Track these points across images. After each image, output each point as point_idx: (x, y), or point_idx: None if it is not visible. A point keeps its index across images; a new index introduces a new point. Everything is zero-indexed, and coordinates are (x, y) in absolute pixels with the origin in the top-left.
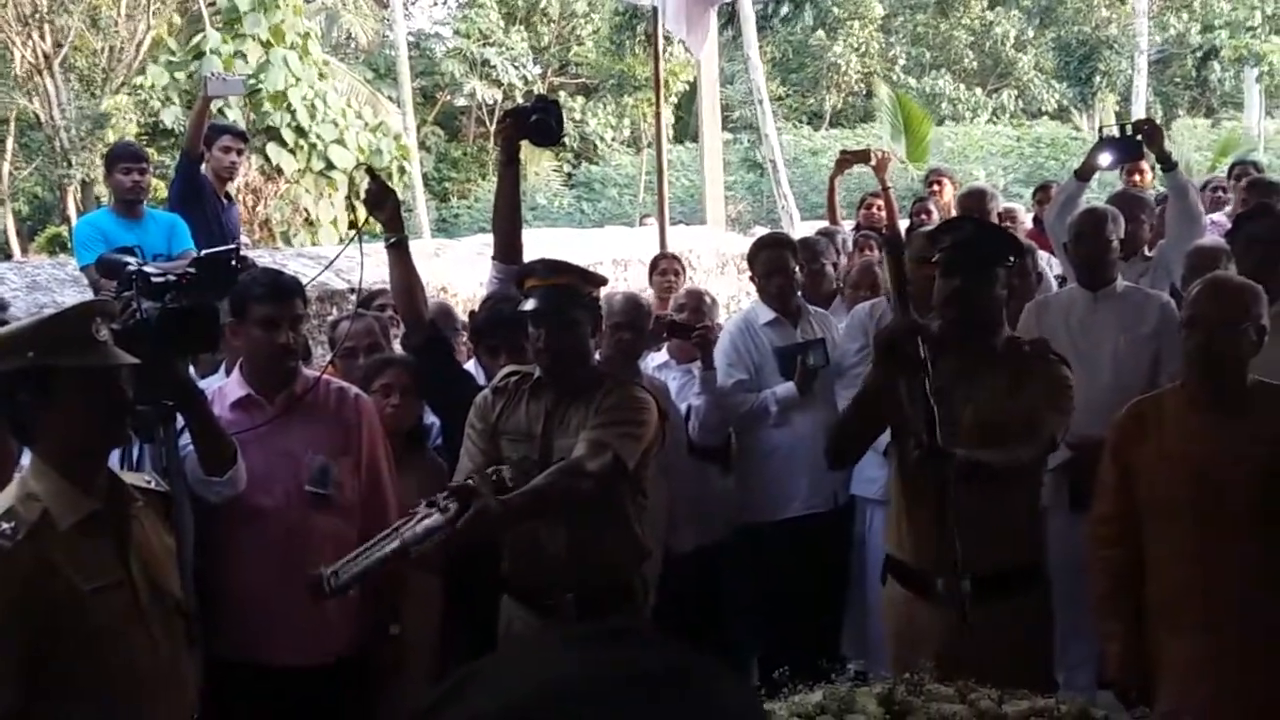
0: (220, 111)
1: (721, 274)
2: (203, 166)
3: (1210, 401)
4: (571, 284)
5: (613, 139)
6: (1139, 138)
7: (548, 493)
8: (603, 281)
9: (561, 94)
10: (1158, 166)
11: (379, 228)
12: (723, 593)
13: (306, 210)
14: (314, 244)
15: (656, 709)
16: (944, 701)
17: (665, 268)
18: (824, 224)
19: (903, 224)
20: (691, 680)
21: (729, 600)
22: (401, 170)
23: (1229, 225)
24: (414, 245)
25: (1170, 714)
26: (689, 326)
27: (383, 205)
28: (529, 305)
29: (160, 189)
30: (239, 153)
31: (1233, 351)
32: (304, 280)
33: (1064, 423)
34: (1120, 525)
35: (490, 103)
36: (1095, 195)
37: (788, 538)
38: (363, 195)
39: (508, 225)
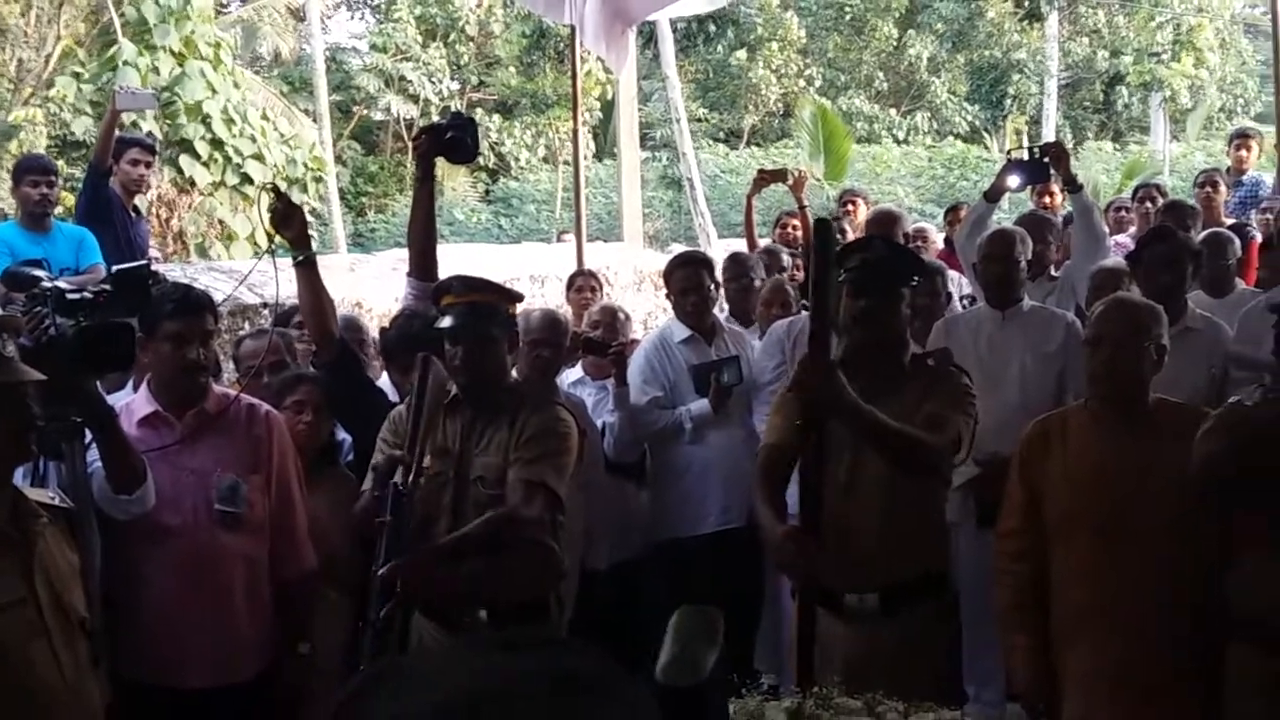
0: (134, 124)
1: (639, 290)
2: (111, 180)
3: (1113, 418)
4: (489, 301)
5: (529, 156)
6: (1045, 160)
7: (483, 539)
8: (519, 298)
9: (479, 111)
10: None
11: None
12: (639, 609)
13: (222, 223)
14: (230, 258)
15: (575, 712)
16: (851, 715)
17: (582, 284)
18: (742, 242)
19: None
20: (608, 684)
21: (645, 616)
22: (318, 181)
23: (1132, 246)
24: (329, 260)
25: None
26: (604, 343)
27: (289, 223)
28: (446, 322)
29: (71, 201)
30: (148, 165)
31: (1135, 370)
32: (216, 296)
33: (968, 426)
34: (1026, 540)
35: (407, 118)
36: (1007, 216)
37: (703, 553)
38: (268, 214)
39: (423, 241)
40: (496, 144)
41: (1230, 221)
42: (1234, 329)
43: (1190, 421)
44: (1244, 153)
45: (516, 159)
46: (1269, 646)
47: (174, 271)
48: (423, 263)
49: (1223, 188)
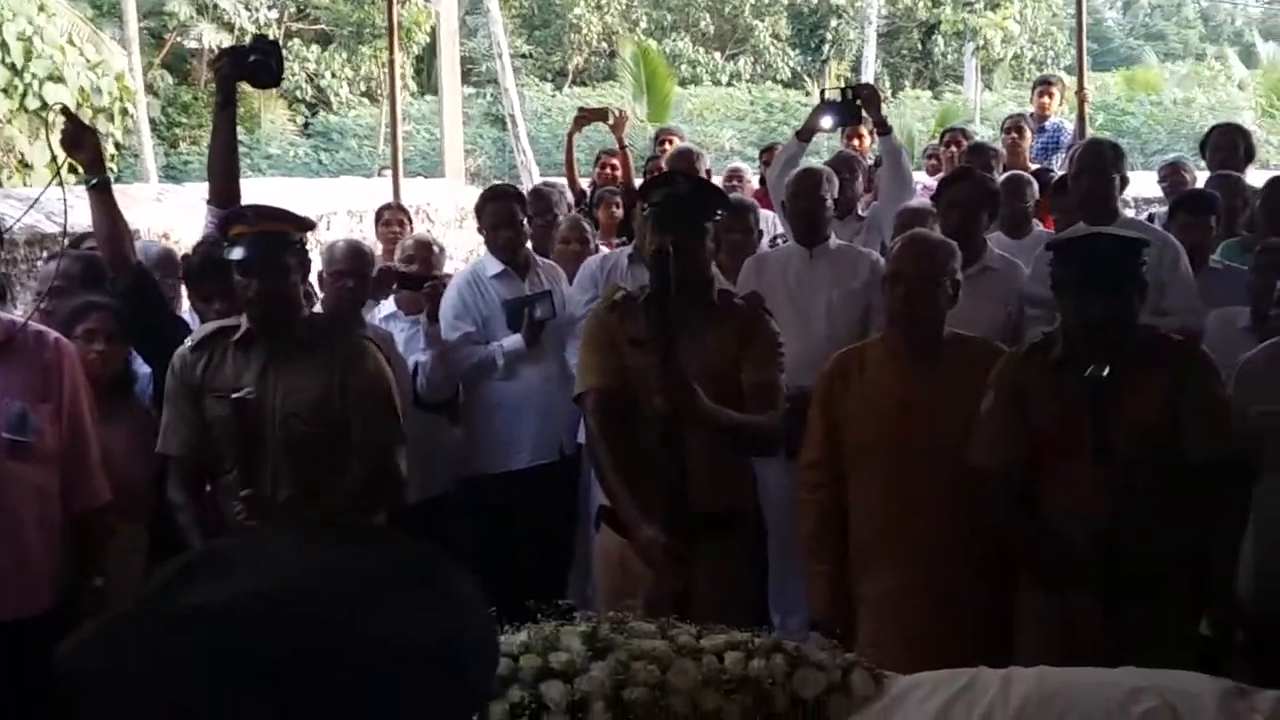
0: None
1: (460, 227)
2: None
3: (909, 352)
4: (281, 230)
5: (350, 89)
6: (858, 102)
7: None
8: (311, 225)
9: (297, 40)
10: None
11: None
12: (448, 544)
13: (21, 153)
14: (26, 186)
15: (394, 601)
16: (645, 638)
17: (390, 218)
18: (562, 180)
19: (639, 182)
20: (425, 574)
21: (454, 552)
22: (124, 112)
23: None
24: (136, 189)
25: (866, 645)
26: (420, 277)
27: (81, 145)
28: (237, 254)
29: None
30: None
31: (931, 305)
32: (7, 221)
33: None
34: (826, 470)
35: (223, 47)
36: (821, 159)
37: (514, 489)
38: (59, 136)
39: (224, 169)
40: (315, 76)
41: (1035, 166)
42: (1029, 269)
43: (982, 355)
44: (1046, 99)
45: (336, 94)
46: (1049, 586)
47: None
48: (224, 191)
49: (1029, 133)
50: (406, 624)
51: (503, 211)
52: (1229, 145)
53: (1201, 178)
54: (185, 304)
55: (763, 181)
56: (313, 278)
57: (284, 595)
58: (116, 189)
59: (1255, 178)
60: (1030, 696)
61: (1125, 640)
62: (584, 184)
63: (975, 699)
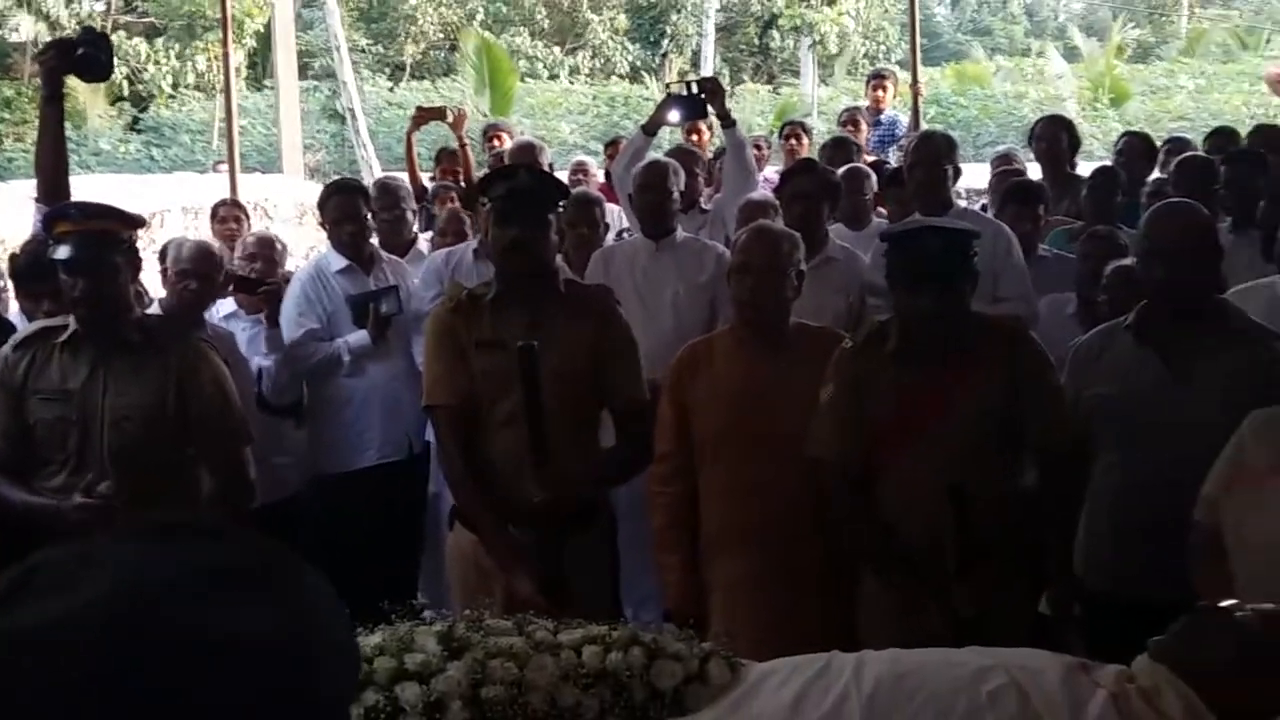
0: None
1: (301, 224)
2: None
3: (757, 342)
4: (108, 228)
5: (178, 83)
6: (703, 96)
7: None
8: (141, 223)
9: (123, 33)
10: (718, 124)
11: None
12: (297, 547)
13: None
14: None
15: (242, 602)
16: (502, 635)
17: (226, 214)
18: (404, 175)
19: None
20: (273, 572)
21: (305, 554)
22: None
23: (777, 181)
24: None
25: (719, 634)
26: (255, 281)
27: None
28: (62, 253)
29: None
30: None
31: (777, 295)
32: None
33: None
34: (677, 462)
35: (47, 40)
36: (662, 152)
37: (362, 488)
38: None
39: (53, 165)
40: (138, 71)
41: (870, 159)
42: (869, 259)
43: (828, 344)
44: (880, 93)
45: (162, 87)
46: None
47: None
48: (53, 188)
49: (864, 126)
50: (254, 625)
51: (347, 205)
52: (1053, 136)
53: (1031, 169)
54: (13, 306)
55: (608, 175)
56: (154, 277)
57: (122, 605)
58: None
59: (1083, 168)
60: (883, 678)
61: (966, 624)
62: (425, 179)
63: (830, 683)
